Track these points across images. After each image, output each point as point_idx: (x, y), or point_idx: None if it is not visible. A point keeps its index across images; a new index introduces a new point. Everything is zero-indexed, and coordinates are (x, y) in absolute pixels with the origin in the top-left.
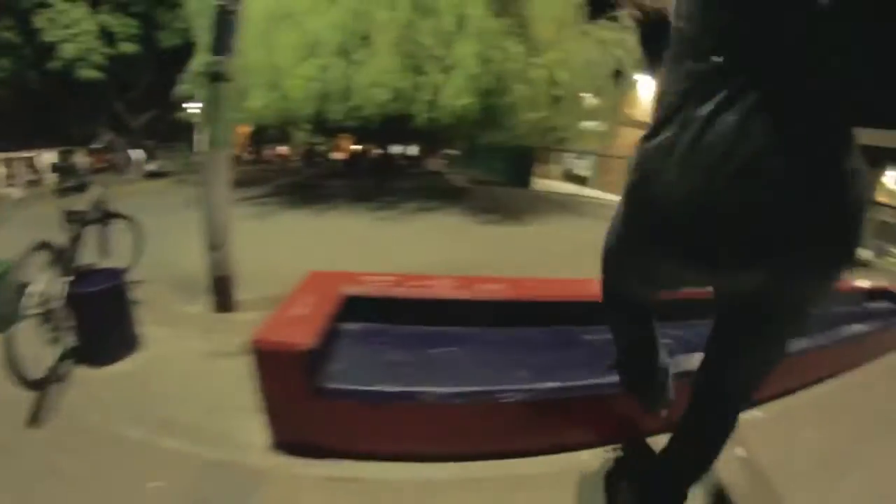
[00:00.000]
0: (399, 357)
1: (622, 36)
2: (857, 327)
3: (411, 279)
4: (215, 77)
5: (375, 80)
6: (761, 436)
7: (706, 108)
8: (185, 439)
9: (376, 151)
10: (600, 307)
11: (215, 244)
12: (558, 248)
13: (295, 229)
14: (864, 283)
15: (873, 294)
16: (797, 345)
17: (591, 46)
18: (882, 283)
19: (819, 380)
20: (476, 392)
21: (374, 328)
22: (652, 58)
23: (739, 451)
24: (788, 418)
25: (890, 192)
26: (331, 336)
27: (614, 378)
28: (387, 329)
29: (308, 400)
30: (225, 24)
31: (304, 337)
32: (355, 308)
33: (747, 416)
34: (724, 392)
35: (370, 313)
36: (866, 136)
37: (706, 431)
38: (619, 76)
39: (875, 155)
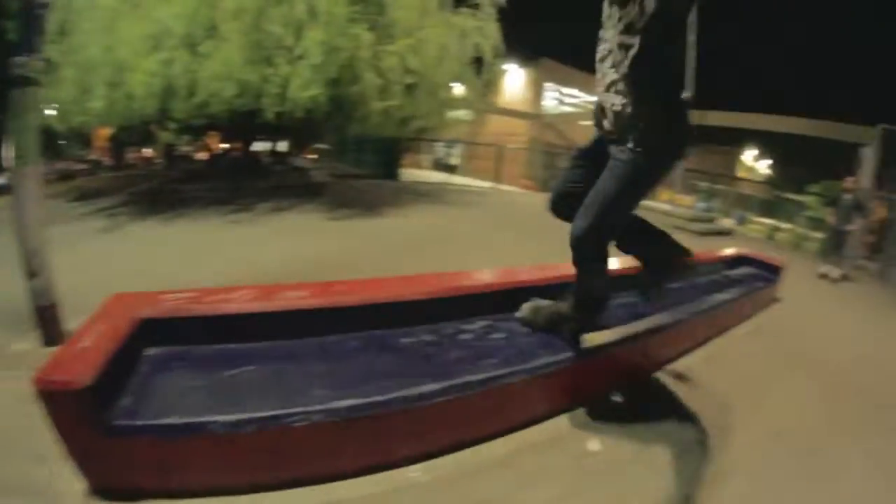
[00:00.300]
0: (197, 382)
1: (482, 24)
2: (721, 295)
3: (216, 293)
4: (18, 81)
5: (221, 74)
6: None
7: None
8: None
9: (239, 149)
10: (418, 306)
11: (33, 271)
12: (410, 240)
13: (142, 241)
14: (723, 251)
15: (733, 261)
16: (667, 318)
17: (448, 34)
18: (741, 249)
19: (691, 348)
20: (268, 417)
21: (173, 352)
22: None
23: (593, 445)
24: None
25: (748, 168)
26: (123, 366)
27: (431, 386)
28: (187, 352)
29: (100, 440)
30: (31, 19)
31: (85, 371)
32: (154, 331)
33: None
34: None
35: (169, 336)
36: (727, 119)
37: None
38: (483, 64)
39: (735, 136)
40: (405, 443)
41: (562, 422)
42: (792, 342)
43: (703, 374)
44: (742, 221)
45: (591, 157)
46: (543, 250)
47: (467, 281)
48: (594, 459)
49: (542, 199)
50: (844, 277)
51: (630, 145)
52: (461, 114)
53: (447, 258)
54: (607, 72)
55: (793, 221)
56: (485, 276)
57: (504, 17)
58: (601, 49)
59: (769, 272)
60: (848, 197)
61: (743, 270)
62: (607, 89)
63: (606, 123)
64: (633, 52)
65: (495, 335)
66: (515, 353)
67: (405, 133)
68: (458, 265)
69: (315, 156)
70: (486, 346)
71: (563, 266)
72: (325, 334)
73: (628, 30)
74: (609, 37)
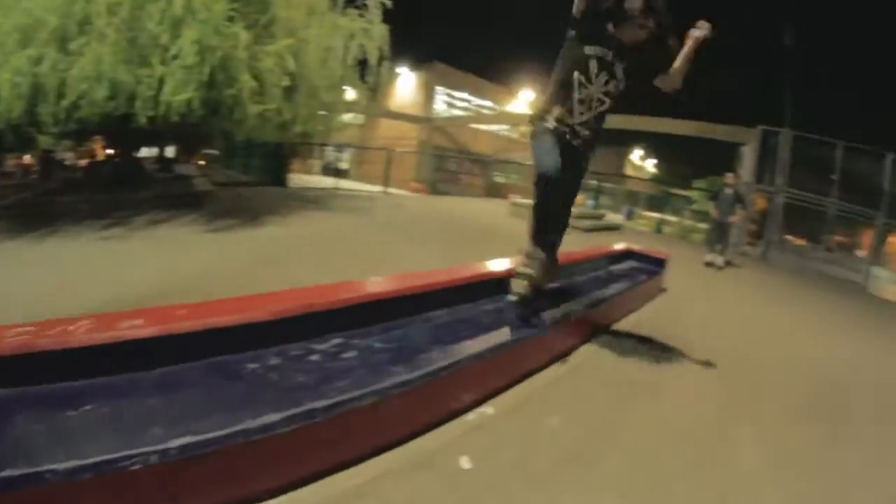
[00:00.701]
0: (29, 427)
1: (369, 26)
2: (608, 289)
3: (50, 326)
4: None
5: (92, 74)
6: (493, 436)
7: None
8: None
9: (118, 156)
10: (264, 328)
11: None
12: (290, 251)
13: (2, 262)
14: (611, 246)
15: (620, 256)
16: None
17: (333, 35)
18: (627, 244)
19: (578, 344)
20: (104, 462)
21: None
22: None
23: (464, 463)
24: (526, 407)
25: (636, 166)
26: None
27: (273, 416)
28: (20, 393)
29: None
30: None
31: None
32: None
33: (471, 417)
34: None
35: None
36: (615, 122)
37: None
38: (373, 67)
39: (623, 136)
40: (253, 478)
41: (429, 441)
42: (675, 328)
43: (590, 367)
44: (630, 216)
45: None
46: (426, 256)
47: (319, 297)
48: (467, 478)
49: (430, 203)
50: (728, 264)
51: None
52: (348, 118)
53: (325, 269)
54: (585, 111)
55: (679, 215)
56: (339, 290)
57: (394, 19)
58: (583, 94)
59: (654, 265)
60: (729, 191)
61: (629, 264)
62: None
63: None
64: (604, 107)
65: (347, 354)
66: (367, 373)
67: (285, 138)
68: (336, 276)
69: (203, 162)
70: (337, 367)
71: (432, 274)
72: (166, 364)
73: (608, 94)
74: (592, 91)
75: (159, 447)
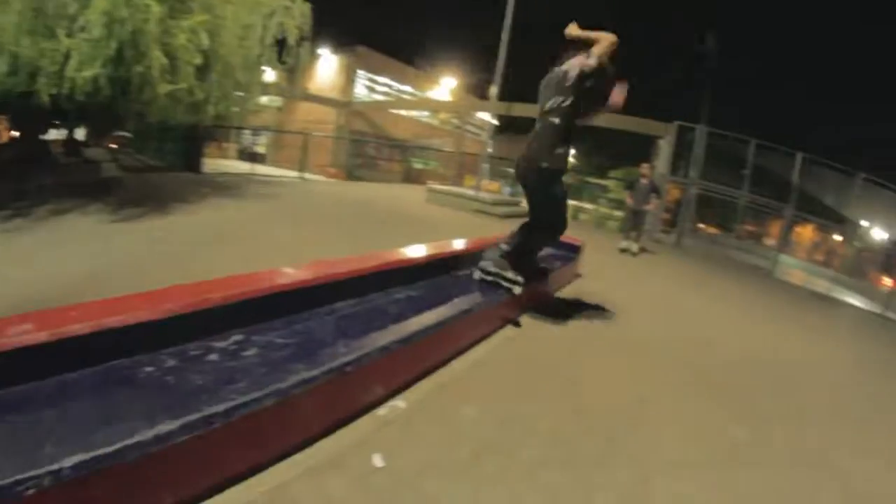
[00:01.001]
0: None
1: (290, 4)
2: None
3: None
4: None
5: None
6: (406, 430)
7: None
8: None
9: (22, 138)
10: (160, 327)
11: None
12: (197, 242)
13: None
14: None
15: None
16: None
17: (253, 12)
18: None
19: (496, 328)
20: None
21: None
22: None
23: (377, 461)
24: (438, 399)
25: None
26: None
27: (169, 426)
28: None
29: None
30: None
31: None
32: None
33: (382, 412)
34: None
35: None
36: (533, 111)
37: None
38: (293, 48)
39: None
40: (153, 493)
41: (339, 439)
42: (590, 311)
43: (503, 355)
44: None
45: None
46: (339, 244)
47: (216, 291)
48: (380, 477)
49: (346, 188)
50: (643, 250)
51: None
52: (265, 100)
53: (231, 260)
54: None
55: (595, 203)
56: (238, 283)
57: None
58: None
59: (569, 251)
60: (644, 181)
61: (544, 251)
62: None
63: None
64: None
65: (248, 351)
66: (270, 371)
67: (198, 120)
68: (242, 268)
69: (115, 145)
70: (237, 367)
71: (339, 263)
72: (58, 373)
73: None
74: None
75: (53, 467)
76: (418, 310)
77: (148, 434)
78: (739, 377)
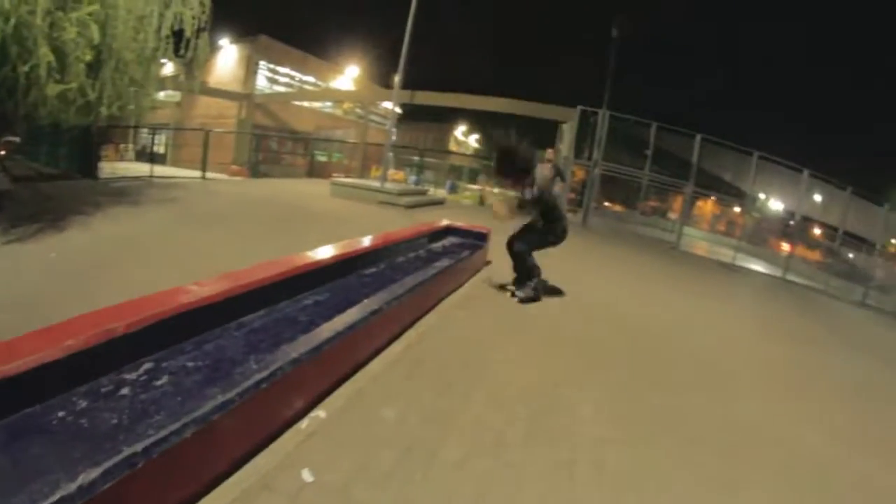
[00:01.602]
0: None
1: None
2: (431, 268)
3: None
4: None
5: None
6: (330, 441)
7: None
8: None
9: None
10: (62, 366)
11: None
12: (86, 263)
13: None
14: (433, 225)
15: (442, 233)
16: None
17: (146, 2)
18: (449, 221)
19: (408, 327)
20: None
21: None
22: None
23: (306, 476)
24: (358, 405)
25: (460, 142)
26: None
27: (84, 478)
28: None
29: None
30: None
31: None
32: None
33: (304, 425)
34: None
35: None
36: (434, 99)
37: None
38: (190, 39)
39: (446, 114)
40: None
41: (265, 459)
42: (501, 297)
43: (418, 351)
44: (454, 190)
45: None
46: (245, 249)
47: (120, 318)
48: (312, 492)
49: (250, 187)
50: None
51: None
52: (163, 95)
53: (132, 279)
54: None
55: (502, 186)
56: (141, 307)
57: None
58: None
59: (476, 239)
60: (548, 165)
61: (450, 240)
62: None
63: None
64: None
65: (161, 380)
66: (185, 399)
67: (91, 121)
68: (145, 287)
69: (3, 152)
70: (151, 398)
71: (245, 274)
72: None
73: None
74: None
75: None
76: (328, 315)
77: (71, 487)
78: (652, 348)
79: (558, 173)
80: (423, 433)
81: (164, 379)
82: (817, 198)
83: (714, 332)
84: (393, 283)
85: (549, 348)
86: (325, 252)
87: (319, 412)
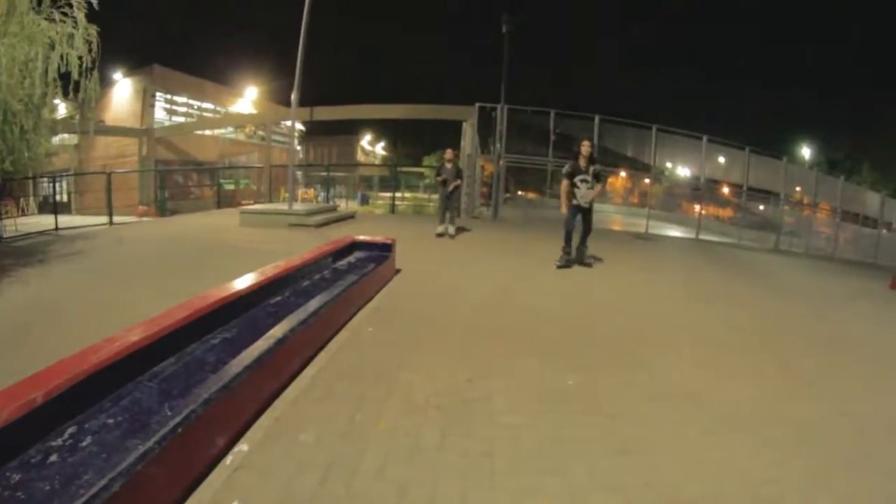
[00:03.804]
0: None
1: (74, 31)
2: (338, 286)
3: None
4: None
5: None
6: (256, 472)
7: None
8: None
9: None
10: None
11: None
12: None
13: None
14: (338, 242)
15: (348, 249)
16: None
17: (33, 46)
18: (353, 237)
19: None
20: None
21: None
22: None
23: None
24: (278, 433)
25: (367, 152)
26: None
27: None
28: None
29: None
30: None
31: None
32: None
33: (229, 461)
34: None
35: None
36: (334, 113)
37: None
38: (81, 78)
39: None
40: None
41: (198, 498)
42: (411, 305)
43: (331, 373)
44: (365, 201)
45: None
46: (159, 296)
47: (39, 387)
48: None
49: (159, 228)
50: (460, 230)
51: None
52: (58, 140)
53: (49, 345)
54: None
55: (414, 191)
56: (56, 373)
57: (104, 18)
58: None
59: (382, 250)
60: (449, 166)
61: (356, 255)
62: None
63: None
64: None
65: (86, 440)
66: (109, 456)
67: None
68: (64, 349)
69: None
70: (79, 461)
71: (155, 322)
72: None
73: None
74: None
75: None
76: (235, 351)
77: None
78: (563, 331)
79: (458, 174)
80: (341, 451)
81: (89, 440)
82: (721, 159)
83: (624, 305)
84: (298, 309)
85: (460, 345)
86: (229, 289)
87: (242, 446)
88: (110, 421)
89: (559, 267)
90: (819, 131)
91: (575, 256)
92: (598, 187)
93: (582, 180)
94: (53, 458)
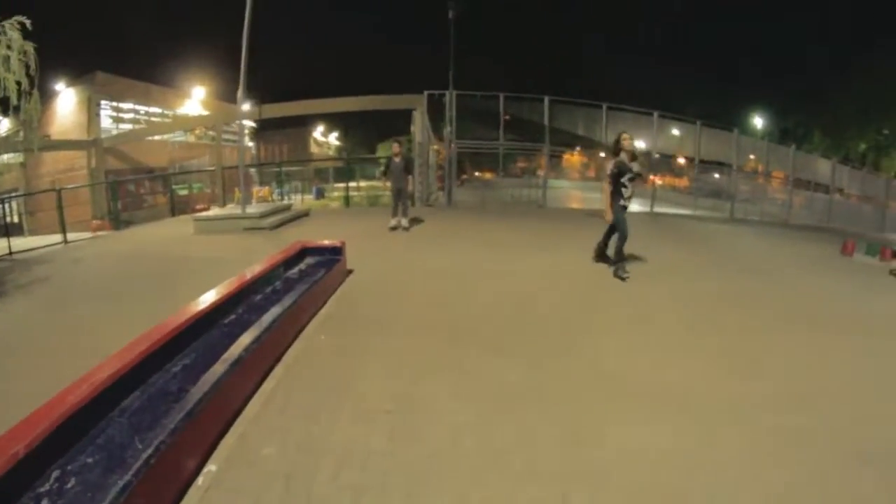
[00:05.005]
0: None
1: (8, 52)
2: (291, 295)
3: None
4: None
5: None
6: (226, 491)
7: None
8: None
9: None
10: None
11: None
12: None
13: None
14: (289, 250)
15: (299, 255)
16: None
17: None
18: (304, 243)
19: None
20: None
21: None
22: None
23: None
24: (242, 449)
25: (320, 143)
26: None
27: None
28: None
29: None
30: None
31: None
32: None
33: (200, 482)
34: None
35: None
36: (284, 110)
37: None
38: (22, 95)
39: (302, 118)
40: None
41: None
42: (366, 308)
43: (287, 387)
44: (321, 195)
45: None
46: (121, 327)
47: (20, 438)
48: None
49: (114, 243)
50: (414, 221)
51: None
52: (5, 159)
53: (12, 394)
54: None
55: (369, 180)
56: (36, 420)
57: (41, 29)
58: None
59: (332, 254)
60: (398, 160)
61: (307, 262)
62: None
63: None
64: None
65: (69, 483)
66: (93, 494)
67: None
68: (30, 400)
69: None
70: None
71: (112, 362)
72: None
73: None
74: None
75: None
76: (195, 377)
77: None
78: (505, 319)
79: (407, 168)
80: (300, 460)
81: (73, 481)
82: (676, 132)
83: (563, 290)
84: (253, 326)
85: (409, 346)
86: (185, 314)
87: (211, 466)
88: (90, 460)
89: (624, 278)
90: (773, 102)
91: (596, 254)
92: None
93: (630, 179)
94: (44, 503)
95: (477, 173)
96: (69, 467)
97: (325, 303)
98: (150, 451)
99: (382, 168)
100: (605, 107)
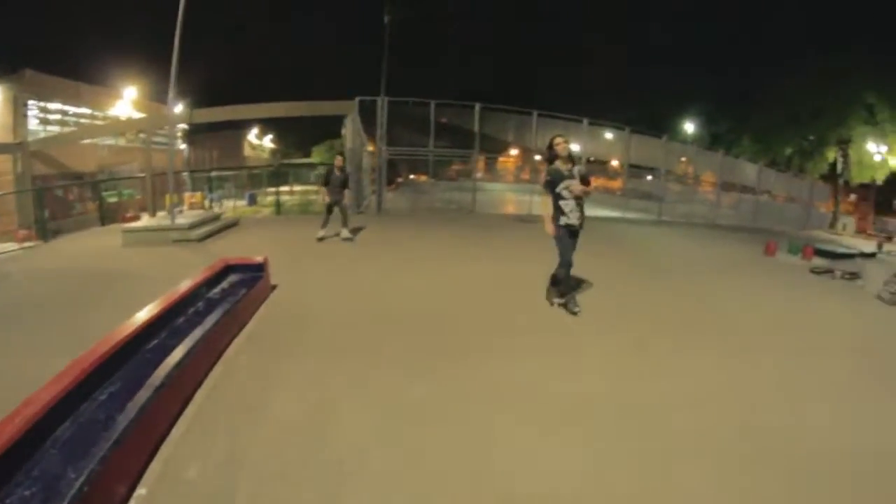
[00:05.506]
0: None
1: None
2: (205, 327)
3: None
4: None
5: None
6: None
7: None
8: None
9: None
10: None
11: None
12: None
13: None
14: (212, 267)
15: (222, 273)
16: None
17: None
18: (227, 260)
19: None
20: None
21: None
22: None
23: None
24: (169, 472)
25: (255, 146)
26: None
27: None
28: None
29: None
30: None
31: None
32: None
33: None
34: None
35: None
36: (212, 115)
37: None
38: None
39: (235, 122)
40: None
41: None
42: (287, 325)
43: (211, 411)
44: (253, 201)
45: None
46: (46, 359)
47: None
48: None
49: (40, 258)
50: (355, 231)
51: None
52: None
53: None
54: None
55: (305, 184)
56: None
57: None
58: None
59: (255, 271)
60: (338, 174)
61: (231, 279)
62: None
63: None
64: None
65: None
66: None
67: None
68: None
69: None
70: None
71: (40, 397)
72: None
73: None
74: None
75: None
76: (122, 405)
77: None
78: (421, 335)
79: (345, 182)
80: (222, 482)
81: None
82: (609, 135)
83: (477, 300)
84: (175, 350)
85: (324, 365)
86: (109, 341)
87: (141, 490)
88: (27, 493)
89: (575, 313)
90: (704, 107)
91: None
92: (587, 189)
93: (566, 188)
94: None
95: (412, 176)
96: (8, 501)
97: (247, 322)
98: (81, 479)
99: (322, 178)
100: (535, 114)
